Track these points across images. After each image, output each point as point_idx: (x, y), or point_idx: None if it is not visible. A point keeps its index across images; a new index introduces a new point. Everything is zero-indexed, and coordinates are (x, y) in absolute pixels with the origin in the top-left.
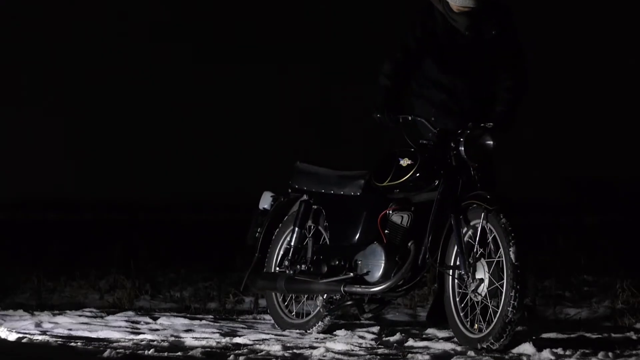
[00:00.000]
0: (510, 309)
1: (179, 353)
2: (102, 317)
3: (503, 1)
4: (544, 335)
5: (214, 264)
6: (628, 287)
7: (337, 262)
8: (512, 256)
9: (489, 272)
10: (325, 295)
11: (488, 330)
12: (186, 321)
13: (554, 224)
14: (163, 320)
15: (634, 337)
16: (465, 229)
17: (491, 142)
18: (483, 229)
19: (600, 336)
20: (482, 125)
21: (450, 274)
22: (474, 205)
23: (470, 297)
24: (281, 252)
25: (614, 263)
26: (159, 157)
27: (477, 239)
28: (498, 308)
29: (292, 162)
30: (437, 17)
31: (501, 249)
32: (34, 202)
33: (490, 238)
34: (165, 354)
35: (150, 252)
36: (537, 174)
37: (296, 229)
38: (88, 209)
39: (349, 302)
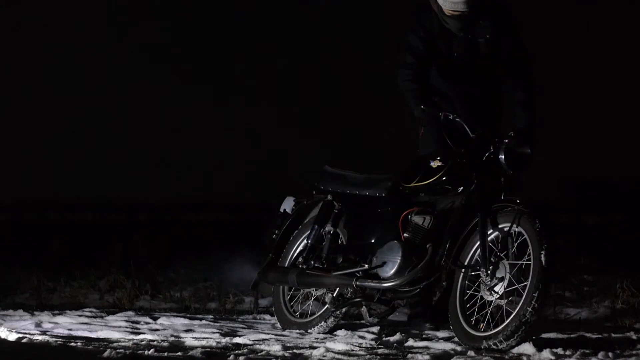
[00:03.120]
0: (529, 309)
1: (179, 353)
2: (102, 317)
3: (504, 3)
4: (544, 335)
5: (214, 264)
6: (628, 287)
7: (352, 257)
8: (543, 259)
9: (510, 273)
10: (336, 291)
11: (499, 328)
12: (186, 321)
13: (554, 224)
14: (163, 320)
15: (634, 337)
16: (490, 231)
17: (529, 151)
18: (509, 232)
19: (600, 336)
20: (520, 134)
21: (463, 272)
22: (508, 209)
23: (482, 295)
24: (296, 253)
25: (614, 263)
26: (159, 157)
27: (500, 242)
28: (512, 309)
29: (292, 163)
30: (434, 18)
31: (530, 251)
32: (34, 202)
33: (516, 243)
34: (165, 354)
35: (150, 252)
36: (537, 174)
37: (315, 226)
38: (88, 209)
39: (358, 299)
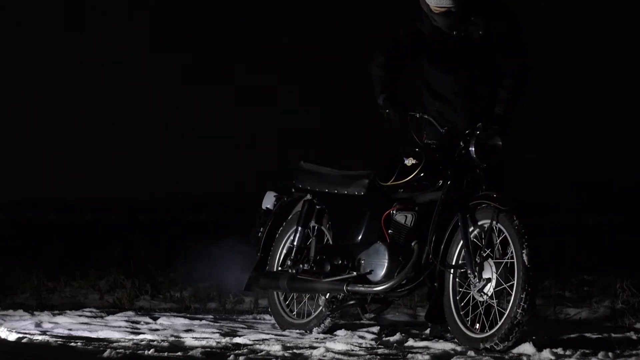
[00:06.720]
0: (519, 310)
1: (179, 353)
2: (102, 317)
3: (502, 2)
4: (544, 336)
5: (213, 264)
6: (628, 287)
7: (340, 262)
8: (525, 258)
9: (496, 273)
10: (328, 294)
11: (493, 330)
12: (186, 321)
13: (554, 224)
14: (163, 320)
15: (634, 337)
16: (471, 228)
17: (500, 143)
18: (491, 229)
19: (600, 336)
20: (492, 124)
21: (452, 272)
22: (484, 205)
23: (473, 296)
24: (284, 252)
25: (614, 263)
26: (158, 157)
27: (484, 239)
28: (504, 309)
29: (291, 162)
30: (424, 19)
31: (512, 250)
32: (34, 202)
33: (499, 239)
34: (165, 354)
35: (150, 252)
36: (537, 174)
37: (299, 228)
38: (88, 209)
39: (351, 302)
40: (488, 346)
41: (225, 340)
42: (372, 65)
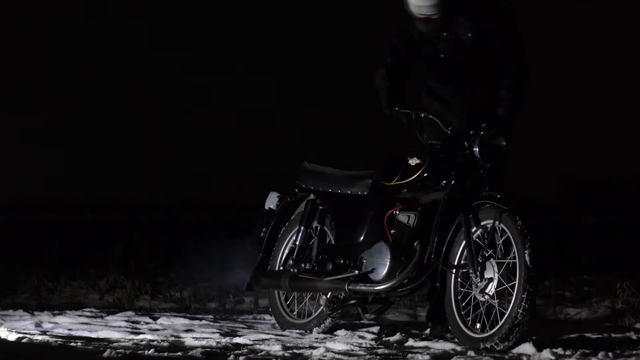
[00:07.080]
0: (520, 310)
1: (179, 353)
2: (102, 317)
3: (493, 2)
4: (544, 336)
5: (213, 264)
6: (628, 287)
7: (342, 261)
8: (527, 259)
9: (498, 273)
10: (329, 294)
11: (494, 330)
12: (186, 321)
13: (554, 224)
14: (163, 320)
15: (634, 337)
16: (474, 229)
17: (504, 144)
18: (493, 229)
19: (600, 336)
20: (495, 124)
21: (454, 272)
22: (487, 205)
23: (474, 296)
24: (286, 252)
25: (614, 263)
26: (158, 157)
27: (487, 239)
28: (505, 309)
29: (292, 162)
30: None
31: (514, 250)
32: (34, 202)
33: (501, 239)
34: (165, 354)
35: (150, 252)
36: (537, 174)
37: (302, 228)
38: (88, 209)
39: (352, 302)
40: (488, 346)
41: (225, 340)
42: (375, 78)
